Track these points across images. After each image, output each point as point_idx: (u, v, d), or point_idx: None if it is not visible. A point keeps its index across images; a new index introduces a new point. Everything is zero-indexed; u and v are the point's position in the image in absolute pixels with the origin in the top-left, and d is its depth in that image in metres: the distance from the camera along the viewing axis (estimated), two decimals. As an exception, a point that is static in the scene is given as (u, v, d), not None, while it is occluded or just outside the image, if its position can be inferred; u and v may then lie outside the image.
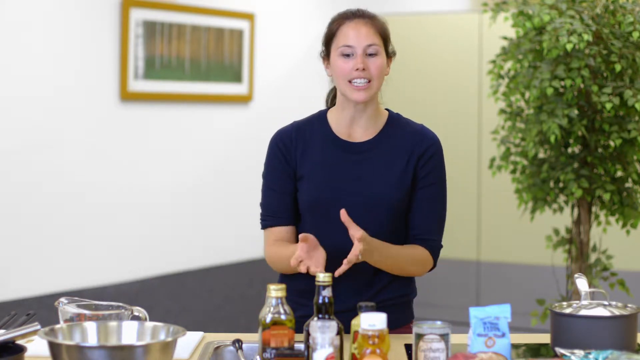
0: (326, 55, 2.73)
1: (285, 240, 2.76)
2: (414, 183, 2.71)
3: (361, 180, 2.69)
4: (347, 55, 2.66)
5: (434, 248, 2.75)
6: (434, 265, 2.78)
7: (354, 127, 2.74)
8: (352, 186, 2.69)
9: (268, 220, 2.76)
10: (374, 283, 2.72)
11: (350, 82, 2.65)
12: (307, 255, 2.53)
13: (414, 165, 2.71)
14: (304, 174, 2.72)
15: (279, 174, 2.74)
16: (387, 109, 2.80)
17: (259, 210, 2.81)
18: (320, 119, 2.78)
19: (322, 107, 2.85)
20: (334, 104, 2.81)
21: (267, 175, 2.77)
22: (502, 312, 2.27)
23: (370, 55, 2.66)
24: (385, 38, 2.71)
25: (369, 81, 2.65)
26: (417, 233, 2.73)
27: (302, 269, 2.50)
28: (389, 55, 2.74)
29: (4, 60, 4.57)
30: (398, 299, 2.76)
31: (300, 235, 2.54)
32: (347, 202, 2.66)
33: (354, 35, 2.66)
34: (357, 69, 2.63)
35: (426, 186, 2.72)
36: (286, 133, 2.76)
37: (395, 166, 2.70)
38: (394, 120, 2.77)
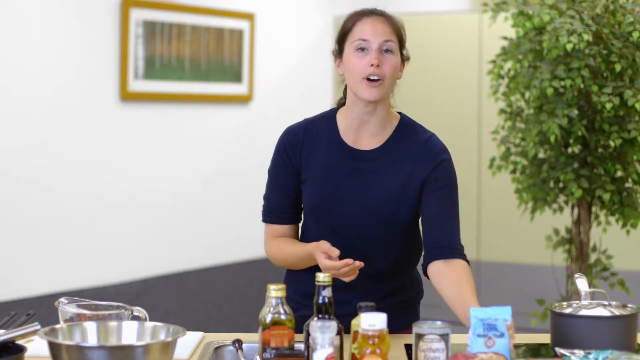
0: (339, 53, 2.67)
1: (285, 237, 2.76)
2: (425, 196, 2.66)
3: (362, 190, 2.66)
4: (362, 50, 2.60)
5: (462, 252, 2.72)
6: None
7: (361, 132, 2.68)
8: (352, 196, 2.66)
9: (269, 216, 2.76)
10: (381, 289, 2.70)
11: (363, 79, 2.59)
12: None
13: (419, 182, 2.65)
14: (307, 177, 2.70)
15: (282, 173, 2.73)
16: (399, 112, 2.75)
17: (259, 210, 2.81)
18: (329, 119, 2.72)
19: (322, 107, 2.84)
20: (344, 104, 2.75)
21: (271, 173, 2.76)
22: (502, 314, 2.26)
23: (386, 51, 2.61)
24: (400, 39, 2.67)
25: (382, 80, 2.60)
26: (446, 244, 2.68)
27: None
28: (403, 59, 2.70)
29: (4, 61, 4.57)
30: (404, 303, 2.76)
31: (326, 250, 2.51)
32: (347, 211, 2.65)
33: (371, 30, 2.60)
34: (371, 65, 2.58)
35: (447, 200, 2.70)
36: (294, 132, 2.71)
37: (399, 179, 2.65)
38: (404, 127, 2.70)
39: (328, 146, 2.69)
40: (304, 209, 2.75)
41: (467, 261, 2.68)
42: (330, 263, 2.49)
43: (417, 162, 2.66)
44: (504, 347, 2.24)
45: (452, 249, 2.68)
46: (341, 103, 2.78)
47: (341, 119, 2.71)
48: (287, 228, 2.76)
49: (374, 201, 2.65)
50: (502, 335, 2.25)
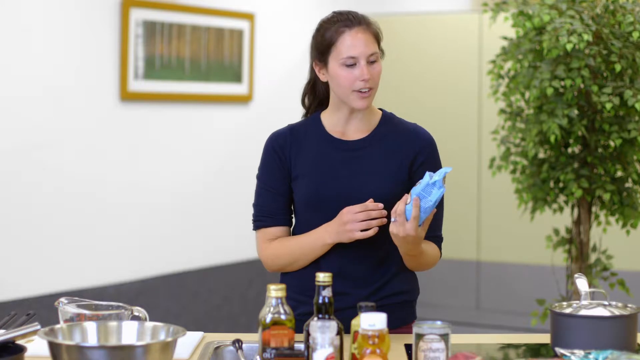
0: (321, 61, 2.73)
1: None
2: (410, 182, 2.72)
3: (356, 176, 2.71)
4: (350, 65, 2.66)
5: (440, 242, 2.80)
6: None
7: (347, 127, 2.76)
8: (347, 182, 2.70)
9: (262, 220, 2.77)
10: (377, 278, 2.73)
11: (354, 91, 2.66)
12: None
13: (408, 164, 2.72)
14: (299, 173, 2.74)
15: (274, 175, 2.76)
16: (380, 109, 2.82)
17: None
18: (314, 120, 2.80)
19: (302, 114, 2.88)
20: (313, 104, 2.84)
21: (262, 177, 2.79)
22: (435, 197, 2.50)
23: (372, 62, 2.68)
24: (379, 42, 2.73)
25: (370, 89, 2.68)
26: (430, 235, 2.74)
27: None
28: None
29: (4, 60, 4.58)
30: (400, 297, 2.76)
31: None
32: (343, 198, 2.68)
33: (356, 45, 2.66)
34: (362, 79, 2.65)
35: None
36: (281, 135, 2.78)
37: (390, 163, 2.72)
38: (388, 120, 2.79)
39: (317, 142, 2.75)
40: (297, 206, 2.77)
41: (440, 250, 2.81)
42: (350, 209, 2.61)
43: (408, 145, 2.74)
44: (413, 195, 2.50)
45: (431, 237, 2.77)
46: (308, 99, 2.85)
47: (326, 119, 2.79)
48: (282, 230, 2.77)
49: (369, 185, 2.69)
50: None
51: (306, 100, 2.87)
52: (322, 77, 2.75)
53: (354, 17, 2.71)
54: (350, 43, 2.66)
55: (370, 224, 2.61)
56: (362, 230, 2.62)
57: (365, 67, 2.65)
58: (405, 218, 2.52)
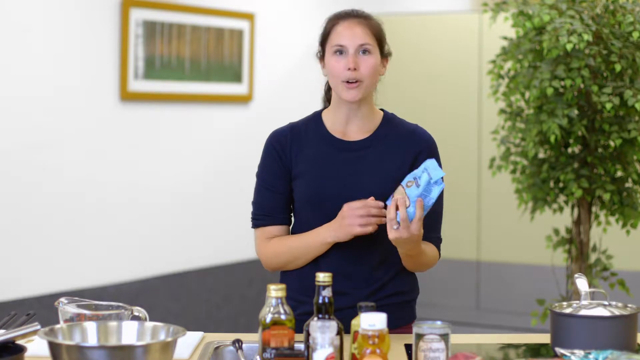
0: (322, 55, 2.76)
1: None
2: None
3: (356, 176, 2.71)
4: (340, 53, 2.68)
5: (439, 243, 2.80)
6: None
7: (348, 126, 2.76)
8: (347, 182, 2.70)
9: (261, 219, 2.78)
10: (377, 278, 2.73)
11: (342, 81, 2.67)
12: None
13: (409, 165, 2.72)
14: (299, 172, 2.74)
15: (274, 173, 2.76)
16: (381, 109, 2.82)
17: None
18: (315, 119, 2.80)
19: (322, 106, 2.87)
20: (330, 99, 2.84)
21: (261, 175, 2.79)
22: (434, 174, 2.54)
23: (363, 52, 2.68)
24: (379, 38, 2.73)
25: (360, 81, 2.67)
26: (428, 237, 2.75)
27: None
28: (385, 55, 2.76)
29: (4, 60, 4.58)
30: (400, 297, 2.76)
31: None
32: (343, 197, 2.68)
33: (347, 35, 2.68)
34: (348, 69, 2.65)
35: (437, 201, 2.73)
36: (282, 133, 2.78)
37: (391, 163, 2.72)
38: (389, 120, 2.79)
39: (317, 142, 2.76)
40: (297, 205, 2.77)
41: (439, 251, 2.81)
42: (350, 204, 2.62)
43: (409, 146, 2.74)
44: (413, 196, 2.53)
45: (430, 238, 2.77)
46: (327, 101, 2.86)
47: (327, 118, 2.79)
48: (280, 229, 2.77)
49: (370, 185, 2.69)
50: (418, 186, 2.54)
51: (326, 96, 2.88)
52: (324, 71, 2.76)
53: (352, 11, 2.74)
54: (341, 32, 2.69)
55: (370, 221, 2.61)
56: (361, 227, 2.62)
57: (352, 57, 2.66)
58: (409, 221, 2.53)
